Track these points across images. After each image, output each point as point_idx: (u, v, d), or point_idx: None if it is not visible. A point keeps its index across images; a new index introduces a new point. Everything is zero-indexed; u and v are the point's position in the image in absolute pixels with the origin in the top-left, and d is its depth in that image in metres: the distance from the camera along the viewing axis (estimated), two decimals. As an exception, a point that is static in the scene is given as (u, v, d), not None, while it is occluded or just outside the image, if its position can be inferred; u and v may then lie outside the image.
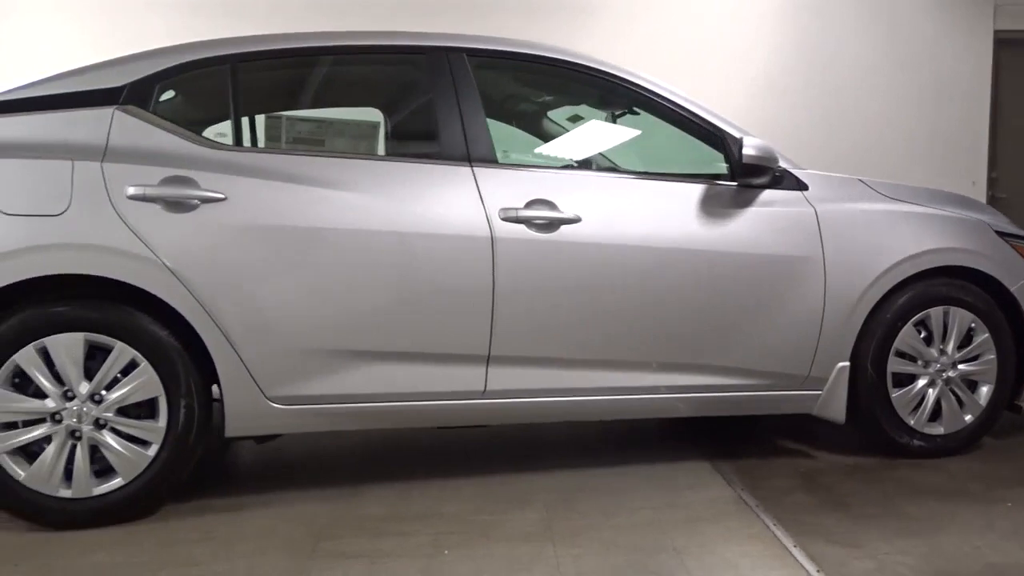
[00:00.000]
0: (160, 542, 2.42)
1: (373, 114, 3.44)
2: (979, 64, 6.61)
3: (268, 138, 3.28)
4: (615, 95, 3.14)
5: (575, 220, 2.78)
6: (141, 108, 2.61)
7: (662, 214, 2.90)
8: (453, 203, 2.72)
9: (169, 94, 2.74)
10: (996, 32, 6.72)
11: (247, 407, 2.59)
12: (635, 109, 3.11)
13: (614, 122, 3.35)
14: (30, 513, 2.47)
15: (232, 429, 2.60)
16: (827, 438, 3.41)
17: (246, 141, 2.77)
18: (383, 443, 3.45)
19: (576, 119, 3.42)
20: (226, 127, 2.79)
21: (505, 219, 2.72)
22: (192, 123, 2.74)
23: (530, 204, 2.76)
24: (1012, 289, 3.19)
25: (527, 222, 2.74)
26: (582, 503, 2.71)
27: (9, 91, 2.64)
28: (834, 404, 3.06)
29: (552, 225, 2.76)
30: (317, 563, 2.27)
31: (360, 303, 2.64)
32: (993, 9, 6.80)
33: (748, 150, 2.84)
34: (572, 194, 2.81)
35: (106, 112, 2.59)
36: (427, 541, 2.41)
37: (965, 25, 6.60)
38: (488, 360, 2.74)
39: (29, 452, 2.47)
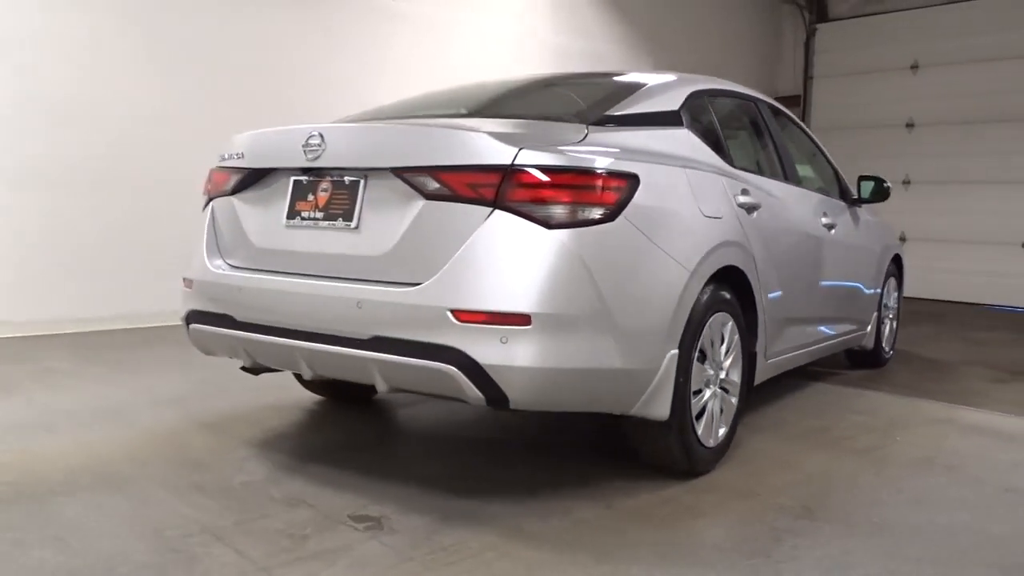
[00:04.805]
0: (766, 466, 3.17)
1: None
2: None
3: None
4: (804, 142, 4.60)
5: (835, 226, 4.22)
6: (687, 129, 3.21)
7: (842, 221, 4.50)
8: (811, 214, 3.94)
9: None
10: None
11: (760, 363, 3.43)
12: (805, 148, 4.63)
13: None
14: (693, 461, 2.95)
15: (756, 379, 3.41)
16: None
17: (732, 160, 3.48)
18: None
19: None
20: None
21: (822, 224, 4.04)
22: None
23: (824, 215, 4.11)
24: (904, 264, 5.61)
25: (826, 227, 4.10)
26: (857, 418, 4.14)
27: (615, 106, 2.98)
28: (869, 338, 5.06)
29: (830, 228, 4.16)
30: (843, 454, 3.35)
31: (800, 282, 3.73)
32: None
33: (888, 185, 4.63)
34: (828, 209, 4.24)
35: (682, 131, 3.13)
36: (871, 441, 3.64)
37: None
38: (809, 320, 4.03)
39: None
